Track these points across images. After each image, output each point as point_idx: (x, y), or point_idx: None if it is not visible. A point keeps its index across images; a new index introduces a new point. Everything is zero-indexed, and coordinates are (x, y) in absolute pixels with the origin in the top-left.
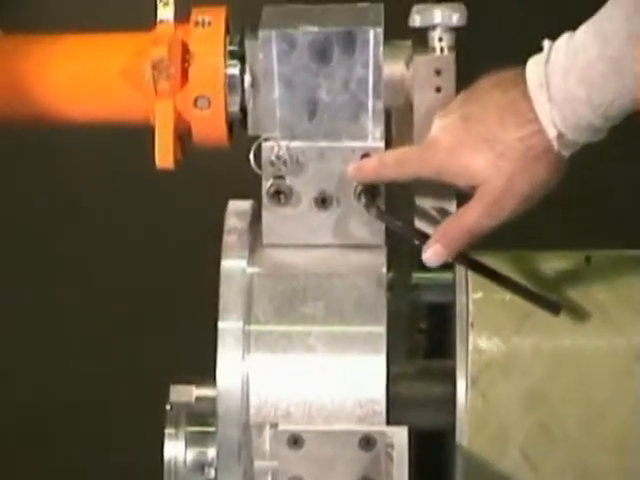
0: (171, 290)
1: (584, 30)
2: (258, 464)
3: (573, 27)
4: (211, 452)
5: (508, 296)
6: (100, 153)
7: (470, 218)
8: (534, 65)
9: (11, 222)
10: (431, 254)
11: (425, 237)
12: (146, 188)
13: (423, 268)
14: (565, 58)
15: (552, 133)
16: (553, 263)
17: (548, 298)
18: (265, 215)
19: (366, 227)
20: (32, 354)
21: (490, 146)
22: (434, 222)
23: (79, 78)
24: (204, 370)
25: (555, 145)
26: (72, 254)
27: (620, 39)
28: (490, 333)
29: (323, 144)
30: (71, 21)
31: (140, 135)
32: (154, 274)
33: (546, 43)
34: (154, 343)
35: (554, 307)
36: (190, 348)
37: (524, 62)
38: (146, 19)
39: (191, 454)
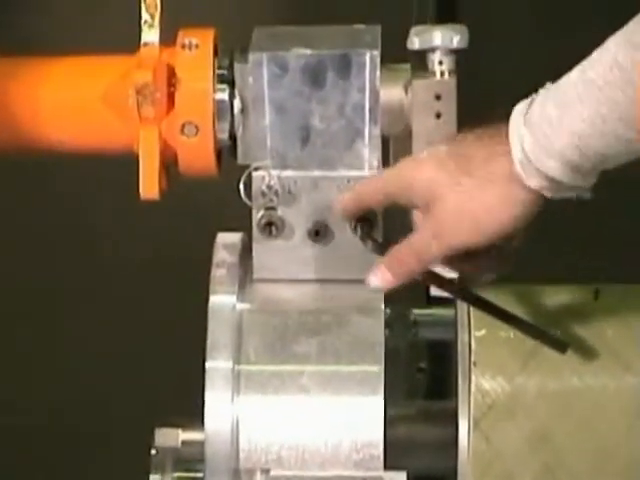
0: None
1: (578, 67)
2: None
3: (579, 54)
4: None
5: (512, 333)
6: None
7: (419, 239)
8: (525, 100)
9: (11, 222)
10: (375, 277)
11: (425, 271)
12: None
13: (423, 304)
14: (552, 87)
15: (517, 155)
16: (559, 298)
17: (554, 335)
18: (256, 248)
19: (362, 261)
20: (32, 354)
21: (456, 161)
22: None
23: (60, 103)
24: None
25: (519, 169)
26: (72, 255)
27: (604, 66)
28: (493, 373)
29: (317, 173)
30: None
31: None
32: (149, 293)
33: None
34: (154, 343)
35: (560, 345)
36: (190, 348)
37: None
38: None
39: None
